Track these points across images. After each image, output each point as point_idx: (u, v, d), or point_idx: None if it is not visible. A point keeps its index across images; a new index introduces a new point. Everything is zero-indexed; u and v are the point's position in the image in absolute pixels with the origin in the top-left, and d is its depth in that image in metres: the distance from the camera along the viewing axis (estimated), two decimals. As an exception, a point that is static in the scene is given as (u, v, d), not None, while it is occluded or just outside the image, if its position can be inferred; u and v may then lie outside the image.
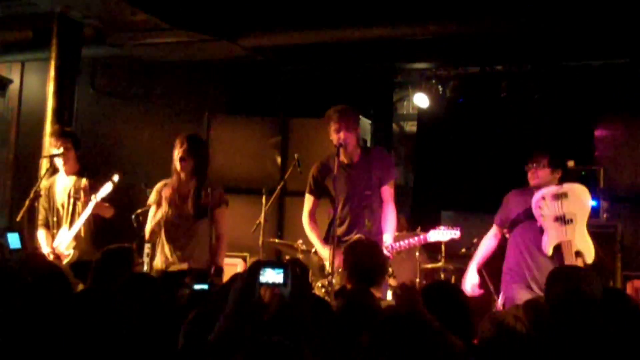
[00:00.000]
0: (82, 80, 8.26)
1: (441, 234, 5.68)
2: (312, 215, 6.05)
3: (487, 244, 5.76)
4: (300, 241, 6.70)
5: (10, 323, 2.72)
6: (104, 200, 6.02)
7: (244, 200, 8.77)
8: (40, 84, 9.63)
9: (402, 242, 5.69)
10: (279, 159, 9.22)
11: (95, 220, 6.20)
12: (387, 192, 5.85)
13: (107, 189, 5.92)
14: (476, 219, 8.05)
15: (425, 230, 6.72)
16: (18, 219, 6.55)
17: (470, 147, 9.33)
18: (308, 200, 6.06)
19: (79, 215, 6.16)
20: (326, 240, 5.83)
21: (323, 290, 5.84)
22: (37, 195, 6.03)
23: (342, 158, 5.81)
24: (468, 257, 7.29)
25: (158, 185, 5.93)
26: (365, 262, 4.32)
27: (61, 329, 2.65)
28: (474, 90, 9.01)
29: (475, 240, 7.02)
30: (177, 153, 5.73)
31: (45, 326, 2.62)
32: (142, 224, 7.07)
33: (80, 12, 7.11)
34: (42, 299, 2.83)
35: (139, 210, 7.12)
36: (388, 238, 5.64)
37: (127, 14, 6.91)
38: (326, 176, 5.91)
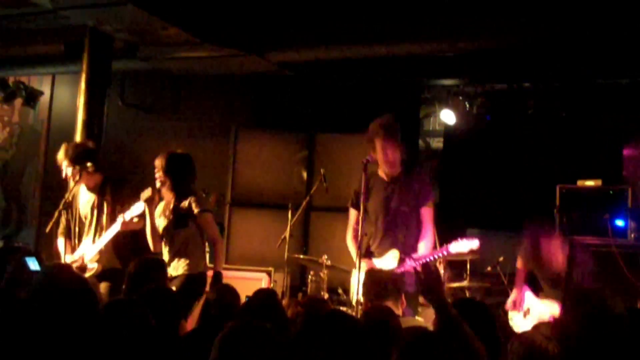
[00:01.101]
0: (112, 94, 8.35)
1: (461, 245, 5.64)
2: (356, 230, 5.94)
3: None
4: (325, 256, 6.69)
5: (38, 337, 2.73)
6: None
7: (269, 214, 8.81)
8: (69, 97, 9.76)
9: (424, 253, 5.65)
10: (304, 174, 9.23)
11: (119, 233, 6.21)
12: (427, 213, 5.82)
13: (137, 209, 5.94)
14: (502, 237, 8.02)
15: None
16: (47, 230, 6.61)
17: (496, 165, 9.28)
18: (351, 214, 6.06)
19: (102, 227, 6.18)
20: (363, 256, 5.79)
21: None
22: (67, 207, 6.08)
23: (382, 174, 5.81)
24: (493, 275, 7.28)
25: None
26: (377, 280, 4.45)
27: (90, 342, 2.67)
28: (501, 107, 8.96)
29: (501, 259, 7.00)
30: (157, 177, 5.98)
31: (75, 340, 2.64)
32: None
33: (112, 26, 7.18)
34: (70, 312, 2.84)
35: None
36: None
37: (157, 28, 6.98)
38: (368, 190, 5.87)
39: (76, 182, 6.15)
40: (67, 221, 6.41)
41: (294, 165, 9.26)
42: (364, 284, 4.63)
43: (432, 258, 5.67)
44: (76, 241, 6.31)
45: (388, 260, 5.70)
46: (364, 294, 4.64)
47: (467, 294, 6.90)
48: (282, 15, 7.57)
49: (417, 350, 2.60)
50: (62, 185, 6.91)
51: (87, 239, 6.24)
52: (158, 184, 5.96)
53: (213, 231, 6.02)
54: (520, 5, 6.74)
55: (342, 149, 8.87)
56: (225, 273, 7.33)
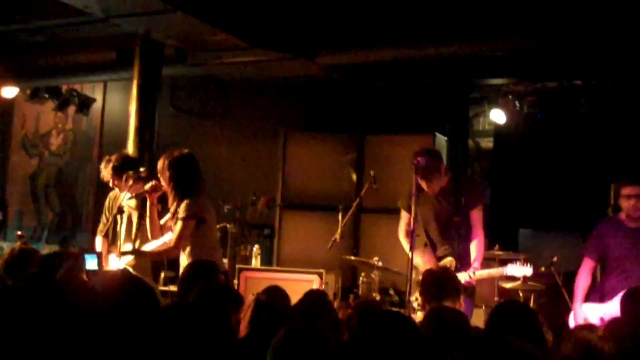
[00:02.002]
0: (162, 99, 8.45)
1: (516, 270, 5.62)
2: (408, 227, 5.93)
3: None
4: (376, 258, 6.69)
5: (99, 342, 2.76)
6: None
7: (320, 216, 8.82)
8: (121, 103, 9.92)
9: (483, 272, 5.62)
10: (354, 176, 9.23)
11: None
12: (476, 216, 5.80)
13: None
14: (555, 237, 7.92)
15: (504, 248, 6.67)
16: (102, 234, 6.76)
17: (548, 164, 9.18)
18: (403, 215, 6.06)
19: (143, 231, 6.27)
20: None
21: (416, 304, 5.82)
22: (121, 212, 6.17)
23: (428, 190, 5.79)
24: (547, 276, 7.18)
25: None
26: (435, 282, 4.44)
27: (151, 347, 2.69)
28: (552, 105, 8.85)
29: (554, 259, 6.90)
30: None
31: (137, 344, 2.66)
32: (221, 241, 7.19)
33: (162, 33, 7.28)
34: (133, 315, 2.85)
35: (218, 226, 7.24)
36: (476, 264, 5.62)
37: (206, 34, 7.05)
38: (419, 193, 5.85)
39: (127, 189, 6.21)
40: (107, 221, 6.54)
41: (344, 167, 9.26)
42: (423, 284, 4.59)
43: (489, 276, 5.69)
44: (116, 241, 6.43)
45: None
46: (421, 294, 4.60)
47: (521, 295, 6.81)
48: (331, 18, 7.59)
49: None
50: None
51: (126, 244, 6.34)
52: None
53: (179, 236, 5.54)
54: (570, 2, 6.67)
55: (392, 150, 8.84)
56: (276, 275, 7.41)
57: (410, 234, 5.62)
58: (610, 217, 6.26)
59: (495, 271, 5.74)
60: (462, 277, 5.51)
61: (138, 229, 6.19)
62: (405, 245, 5.88)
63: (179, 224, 5.56)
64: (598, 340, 2.98)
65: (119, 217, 6.30)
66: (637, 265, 5.56)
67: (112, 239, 6.51)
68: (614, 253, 5.68)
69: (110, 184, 6.53)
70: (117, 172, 6.38)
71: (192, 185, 5.70)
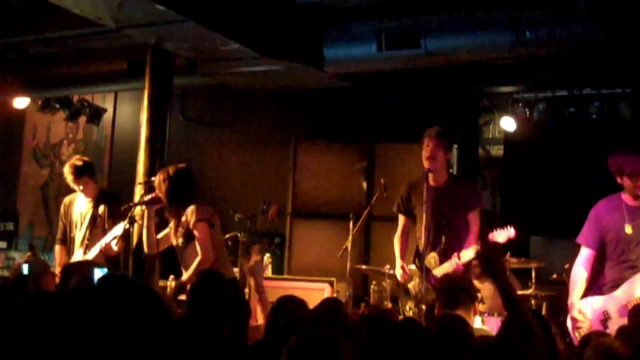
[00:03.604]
0: (172, 109, 8.47)
1: (499, 235, 5.56)
2: (404, 234, 6.25)
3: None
4: (388, 266, 6.69)
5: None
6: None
7: (329, 225, 8.84)
8: (131, 113, 9.96)
9: (468, 250, 5.60)
10: (364, 184, 9.24)
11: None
12: (472, 219, 5.88)
13: (116, 231, 6.08)
14: (567, 244, 7.88)
15: (515, 256, 6.66)
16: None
17: (559, 172, 9.15)
18: (399, 219, 6.25)
19: (93, 239, 6.42)
20: (413, 261, 6.04)
21: (411, 312, 5.87)
22: (132, 222, 6.21)
23: (430, 181, 5.89)
24: (559, 283, 7.17)
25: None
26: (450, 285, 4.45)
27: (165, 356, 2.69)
28: (562, 113, 8.84)
29: (566, 266, 6.88)
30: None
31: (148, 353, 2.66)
32: (230, 250, 7.21)
33: (174, 44, 7.30)
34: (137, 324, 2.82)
35: (227, 236, 7.26)
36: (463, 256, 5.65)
37: (218, 44, 7.07)
38: (412, 195, 6.06)
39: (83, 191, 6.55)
40: (64, 226, 6.64)
41: (354, 175, 9.27)
42: (437, 290, 4.62)
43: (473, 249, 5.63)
44: (72, 247, 6.56)
45: (430, 263, 5.80)
46: (437, 299, 4.64)
47: (533, 302, 6.80)
48: (339, 27, 7.61)
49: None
50: (126, 200, 7.07)
51: (78, 250, 6.45)
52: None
53: (203, 242, 5.60)
54: (579, 10, 6.66)
55: (402, 158, 8.85)
56: (287, 284, 7.43)
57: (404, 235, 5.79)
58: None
59: (475, 247, 5.64)
60: (449, 265, 5.55)
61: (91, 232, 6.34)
62: (396, 248, 6.15)
63: (197, 227, 5.56)
64: (619, 345, 2.97)
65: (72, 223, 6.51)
66: None
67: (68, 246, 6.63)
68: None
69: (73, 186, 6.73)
70: (78, 174, 6.58)
71: (188, 198, 5.73)
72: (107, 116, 10.36)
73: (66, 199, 6.92)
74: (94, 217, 6.50)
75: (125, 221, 6.02)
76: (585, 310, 5.30)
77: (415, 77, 8.58)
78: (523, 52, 7.12)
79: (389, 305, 6.63)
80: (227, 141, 10.06)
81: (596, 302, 5.33)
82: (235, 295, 4.33)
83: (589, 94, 8.73)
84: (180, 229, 5.75)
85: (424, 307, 5.55)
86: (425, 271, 5.70)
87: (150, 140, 7.56)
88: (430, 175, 5.91)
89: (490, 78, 8.71)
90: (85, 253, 6.39)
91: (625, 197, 5.40)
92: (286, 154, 9.36)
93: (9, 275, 8.43)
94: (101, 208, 6.56)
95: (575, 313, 5.31)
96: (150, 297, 2.97)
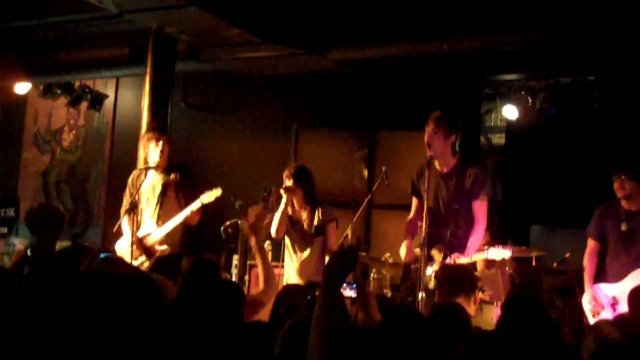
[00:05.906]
0: (174, 95, 8.46)
1: (497, 253, 5.58)
2: (415, 216, 6.10)
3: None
4: (388, 254, 6.68)
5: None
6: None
7: (331, 212, 8.81)
8: (133, 99, 9.94)
9: (465, 258, 5.59)
10: (366, 172, 9.22)
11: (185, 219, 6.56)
12: (478, 207, 5.78)
13: (213, 194, 6.38)
14: (568, 233, 7.89)
15: (516, 244, 6.64)
16: (115, 230, 6.79)
17: (561, 160, 9.12)
18: (412, 202, 6.20)
19: (165, 209, 6.45)
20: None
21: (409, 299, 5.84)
22: (134, 207, 6.21)
23: (437, 166, 5.83)
24: (559, 272, 7.16)
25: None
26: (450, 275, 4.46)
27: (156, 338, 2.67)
28: (565, 101, 8.79)
29: (567, 255, 6.89)
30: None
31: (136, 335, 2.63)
32: (231, 237, 7.20)
33: (176, 28, 7.28)
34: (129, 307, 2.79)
35: (228, 223, 7.24)
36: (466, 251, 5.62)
37: (220, 29, 7.05)
38: (420, 179, 5.99)
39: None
40: (131, 198, 6.68)
41: (355, 163, 9.25)
42: (438, 278, 4.62)
43: (468, 253, 5.63)
44: (139, 218, 6.59)
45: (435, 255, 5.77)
46: (437, 287, 4.63)
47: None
48: (343, 14, 7.58)
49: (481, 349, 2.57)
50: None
51: (151, 220, 6.49)
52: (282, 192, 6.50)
53: (332, 242, 6.46)
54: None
55: (403, 146, 8.82)
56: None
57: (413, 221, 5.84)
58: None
59: (477, 256, 5.67)
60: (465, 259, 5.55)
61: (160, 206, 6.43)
62: (406, 229, 6.10)
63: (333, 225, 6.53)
64: (618, 334, 2.96)
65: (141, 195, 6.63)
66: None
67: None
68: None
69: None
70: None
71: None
72: (109, 102, 10.34)
73: (135, 172, 6.96)
74: (165, 185, 6.63)
75: (129, 205, 6.21)
76: (599, 295, 5.95)
77: (418, 64, 8.54)
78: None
79: (389, 293, 6.61)
80: (229, 128, 10.03)
81: (607, 289, 5.96)
82: (228, 283, 4.32)
83: (592, 81, 8.69)
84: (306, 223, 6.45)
85: (423, 294, 5.51)
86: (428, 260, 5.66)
87: (152, 127, 7.55)
88: (436, 161, 5.84)
89: (493, 66, 8.67)
90: (158, 225, 6.50)
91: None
92: (288, 141, 9.34)
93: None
94: (171, 176, 6.66)
95: (589, 299, 5.94)
96: (142, 280, 2.95)
